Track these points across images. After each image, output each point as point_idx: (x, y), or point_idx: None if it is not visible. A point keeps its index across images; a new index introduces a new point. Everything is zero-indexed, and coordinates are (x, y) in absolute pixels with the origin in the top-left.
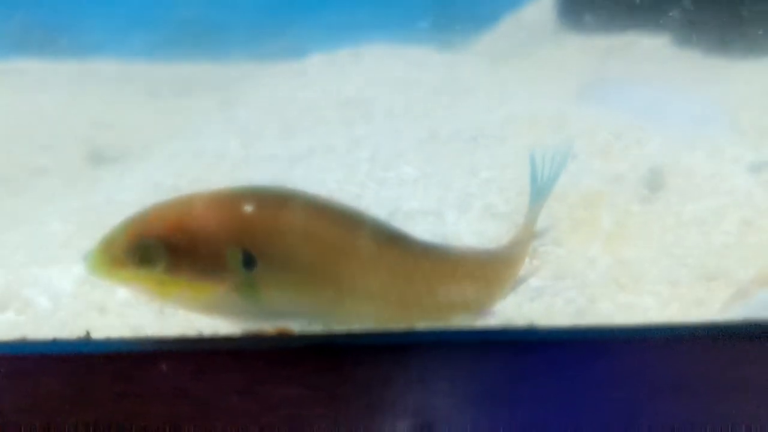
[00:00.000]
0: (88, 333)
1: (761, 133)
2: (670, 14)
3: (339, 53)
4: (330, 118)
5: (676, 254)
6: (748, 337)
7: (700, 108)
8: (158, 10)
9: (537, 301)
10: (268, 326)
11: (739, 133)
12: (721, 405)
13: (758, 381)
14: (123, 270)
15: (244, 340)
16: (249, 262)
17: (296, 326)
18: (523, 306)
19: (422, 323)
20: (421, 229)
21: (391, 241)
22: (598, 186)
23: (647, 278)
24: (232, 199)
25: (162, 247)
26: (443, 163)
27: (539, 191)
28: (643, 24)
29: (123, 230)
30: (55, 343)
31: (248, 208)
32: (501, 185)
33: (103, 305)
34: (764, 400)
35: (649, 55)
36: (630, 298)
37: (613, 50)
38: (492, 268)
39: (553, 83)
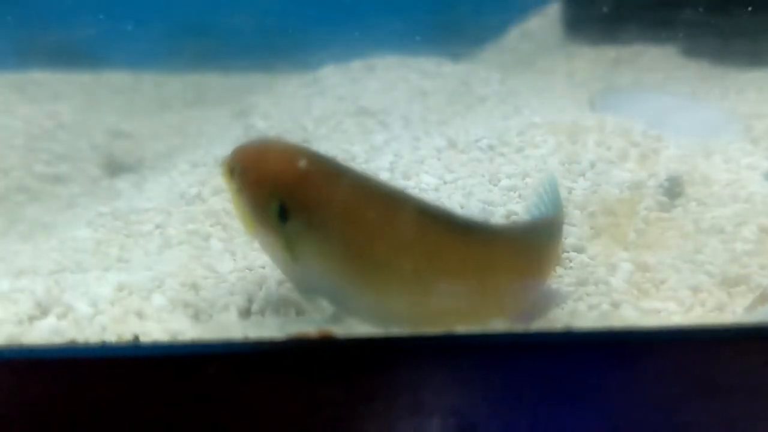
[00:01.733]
0: (136, 337)
1: None
2: (677, 25)
3: (351, 64)
4: (347, 127)
5: (698, 260)
6: None
7: (712, 116)
8: (169, 22)
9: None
10: (311, 330)
11: (752, 142)
12: (755, 404)
13: None
14: (226, 177)
15: (288, 343)
16: (283, 215)
17: (339, 329)
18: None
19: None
20: None
21: (435, 224)
22: (618, 194)
23: (669, 284)
24: (286, 154)
25: (237, 171)
26: (463, 171)
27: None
28: (650, 34)
29: (232, 152)
30: (104, 347)
31: (295, 169)
32: (522, 193)
33: (140, 311)
34: None
35: (657, 64)
36: (653, 303)
37: (621, 60)
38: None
39: (565, 93)
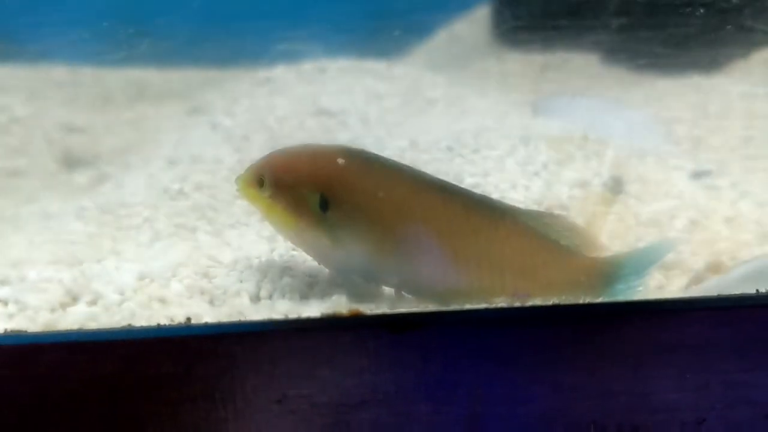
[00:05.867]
0: (188, 319)
1: (694, 144)
2: (598, 33)
3: (303, 65)
4: (310, 126)
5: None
6: None
7: (639, 121)
8: (106, 14)
9: None
10: (344, 308)
11: (675, 144)
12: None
13: None
14: (250, 190)
15: (323, 320)
16: (324, 205)
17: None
18: None
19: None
20: None
21: (460, 201)
22: (568, 191)
23: None
24: (320, 153)
25: (268, 177)
26: (427, 169)
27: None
28: (573, 42)
29: (256, 163)
30: (160, 328)
31: (332, 161)
32: (485, 190)
33: (162, 297)
34: None
35: (581, 71)
36: None
37: (548, 66)
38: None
39: (504, 96)
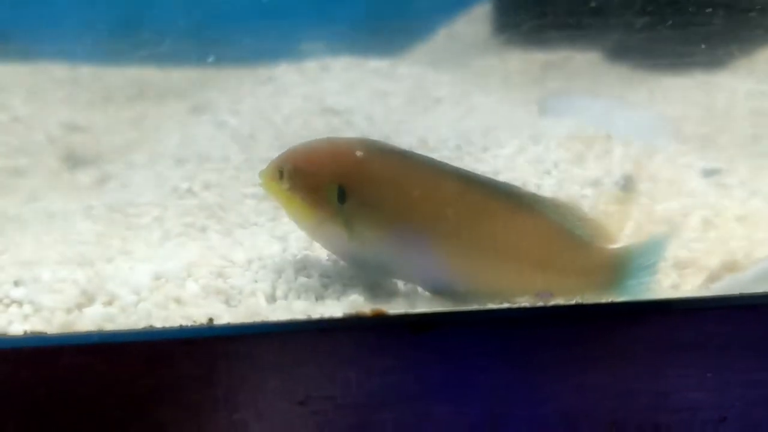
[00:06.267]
0: (211, 320)
1: (703, 142)
2: (601, 31)
3: (305, 64)
4: (316, 125)
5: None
6: None
7: (646, 119)
8: (104, 13)
9: None
10: (365, 306)
11: (683, 142)
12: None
13: None
14: (272, 183)
15: (346, 321)
16: (342, 196)
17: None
18: None
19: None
20: None
21: (478, 191)
22: (580, 190)
23: None
24: (341, 145)
25: (288, 171)
26: None
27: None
28: (575, 39)
29: (278, 156)
30: (182, 329)
31: (349, 153)
32: None
33: (178, 297)
34: None
35: (585, 69)
36: None
37: (550, 64)
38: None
39: (508, 95)
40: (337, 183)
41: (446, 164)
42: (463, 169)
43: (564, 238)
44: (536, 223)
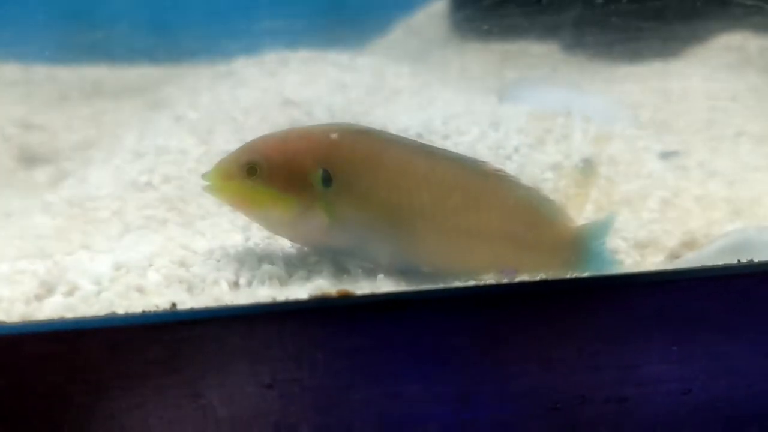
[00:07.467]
0: (174, 305)
1: (659, 127)
2: (557, 23)
3: (265, 57)
4: (275, 117)
5: (614, 228)
6: None
7: (603, 106)
8: (54, 11)
9: None
10: (331, 289)
11: (641, 128)
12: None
13: None
14: (232, 182)
15: (312, 302)
16: (327, 179)
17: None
18: None
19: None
20: None
21: (462, 170)
22: (540, 174)
23: None
24: (319, 130)
25: (263, 161)
26: None
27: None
28: (532, 32)
29: (237, 153)
30: (145, 315)
31: (330, 137)
32: None
33: (140, 286)
34: None
35: (542, 60)
36: None
37: (508, 56)
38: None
39: (468, 85)
40: (321, 166)
41: (420, 142)
42: (444, 149)
43: (530, 215)
44: (510, 201)
